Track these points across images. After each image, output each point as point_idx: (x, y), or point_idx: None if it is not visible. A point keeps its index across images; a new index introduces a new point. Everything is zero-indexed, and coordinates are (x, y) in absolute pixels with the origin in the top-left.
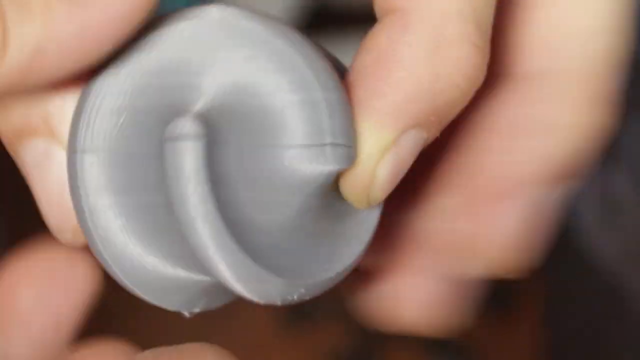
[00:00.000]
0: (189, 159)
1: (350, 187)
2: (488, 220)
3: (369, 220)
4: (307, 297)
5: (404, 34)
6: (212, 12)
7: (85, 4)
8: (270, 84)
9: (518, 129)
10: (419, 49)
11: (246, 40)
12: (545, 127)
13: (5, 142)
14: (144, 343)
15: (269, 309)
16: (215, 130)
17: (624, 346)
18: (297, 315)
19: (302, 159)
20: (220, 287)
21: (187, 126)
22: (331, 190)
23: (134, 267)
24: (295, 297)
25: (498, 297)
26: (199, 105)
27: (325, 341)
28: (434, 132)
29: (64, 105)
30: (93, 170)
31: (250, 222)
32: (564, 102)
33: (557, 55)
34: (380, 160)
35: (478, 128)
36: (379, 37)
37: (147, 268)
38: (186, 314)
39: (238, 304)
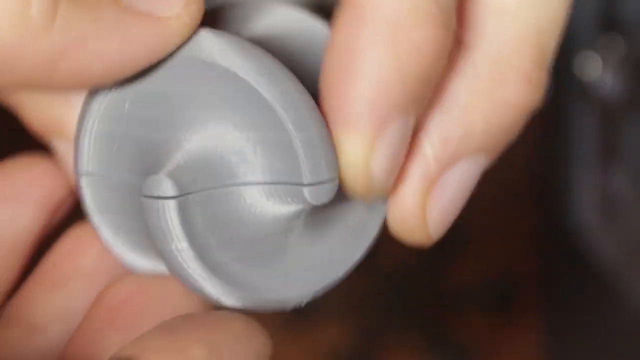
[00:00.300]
0: (164, 218)
1: (354, 192)
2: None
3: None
4: (318, 297)
5: (360, 28)
6: (199, 46)
7: (133, 19)
8: (244, 125)
9: (452, 103)
10: (378, 38)
11: (228, 81)
12: (476, 103)
13: (37, 135)
14: None
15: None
16: (189, 180)
17: (623, 345)
18: (297, 315)
19: (270, 197)
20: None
21: (162, 186)
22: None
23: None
24: (303, 303)
25: (498, 297)
26: (178, 153)
27: (325, 341)
28: (416, 111)
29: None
30: (89, 192)
31: (237, 257)
32: (500, 74)
33: (495, 25)
34: (369, 162)
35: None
36: (338, 36)
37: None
38: None
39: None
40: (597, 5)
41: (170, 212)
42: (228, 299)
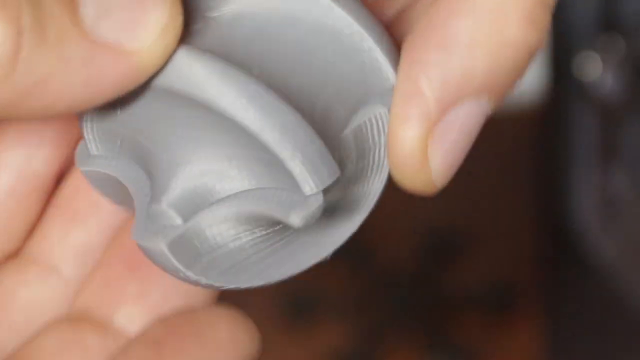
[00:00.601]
0: (168, 261)
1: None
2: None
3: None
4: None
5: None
6: (176, 74)
7: (100, 52)
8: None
9: (453, 42)
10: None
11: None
12: (478, 41)
13: None
14: None
15: (269, 309)
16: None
17: (624, 346)
18: (297, 315)
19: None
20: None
21: (165, 217)
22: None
23: None
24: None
25: (498, 297)
26: (172, 179)
27: (325, 341)
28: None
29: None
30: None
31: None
32: (502, 13)
33: None
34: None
35: (417, 38)
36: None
37: None
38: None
39: (238, 304)
40: (597, 5)
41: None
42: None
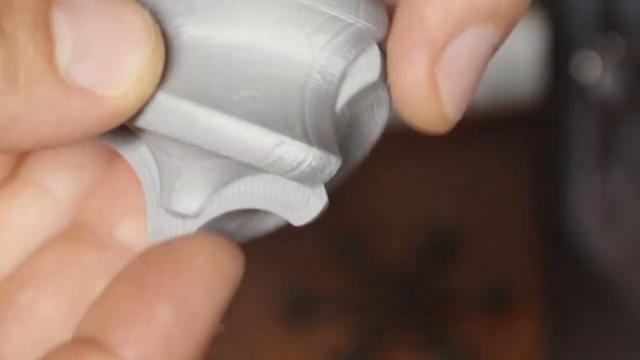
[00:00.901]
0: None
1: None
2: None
3: None
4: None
5: None
6: (156, 118)
7: (73, 96)
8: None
9: None
10: None
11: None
12: None
13: None
14: None
15: (269, 309)
16: None
17: (623, 345)
18: (297, 315)
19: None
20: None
21: (177, 213)
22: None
23: None
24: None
25: (497, 297)
26: None
27: (325, 341)
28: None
29: None
30: None
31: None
32: None
33: None
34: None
35: None
36: None
37: None
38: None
39: (238, 303)
40: (597, 5)
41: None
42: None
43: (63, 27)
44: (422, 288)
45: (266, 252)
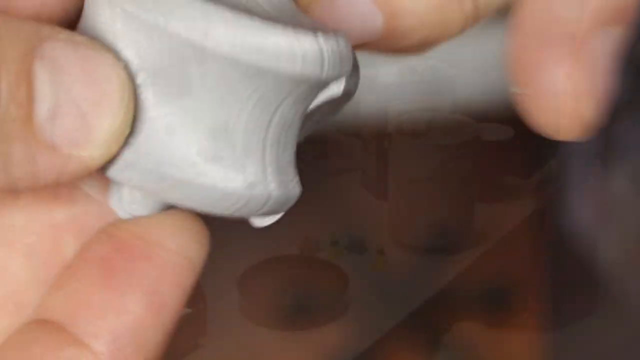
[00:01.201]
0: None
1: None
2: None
3: None
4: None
5: None
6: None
7: (44, 152)
8: None
9: None
10: None
11: None
12: None
13: None
14: None
15: (269, 309)
16: None
17: (623, 346)
18: (297, 315)
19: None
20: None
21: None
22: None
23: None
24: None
25: (497, 298)
26: None
27: (325, 341)
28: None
29: None
30: None
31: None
32: None
33: None
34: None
35: None
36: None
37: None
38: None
39: (238, 303)
40: None
41: None
42: None
43: (44, 85)
44: (422, 288)
45: (266, 252)
